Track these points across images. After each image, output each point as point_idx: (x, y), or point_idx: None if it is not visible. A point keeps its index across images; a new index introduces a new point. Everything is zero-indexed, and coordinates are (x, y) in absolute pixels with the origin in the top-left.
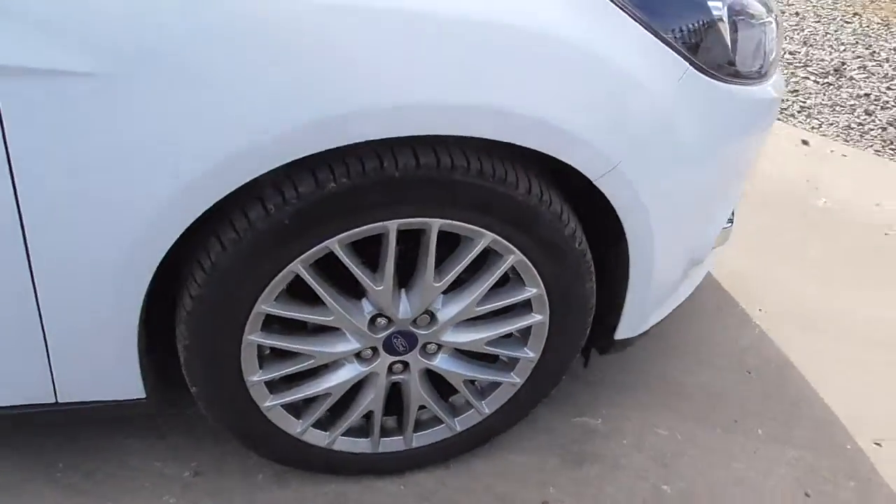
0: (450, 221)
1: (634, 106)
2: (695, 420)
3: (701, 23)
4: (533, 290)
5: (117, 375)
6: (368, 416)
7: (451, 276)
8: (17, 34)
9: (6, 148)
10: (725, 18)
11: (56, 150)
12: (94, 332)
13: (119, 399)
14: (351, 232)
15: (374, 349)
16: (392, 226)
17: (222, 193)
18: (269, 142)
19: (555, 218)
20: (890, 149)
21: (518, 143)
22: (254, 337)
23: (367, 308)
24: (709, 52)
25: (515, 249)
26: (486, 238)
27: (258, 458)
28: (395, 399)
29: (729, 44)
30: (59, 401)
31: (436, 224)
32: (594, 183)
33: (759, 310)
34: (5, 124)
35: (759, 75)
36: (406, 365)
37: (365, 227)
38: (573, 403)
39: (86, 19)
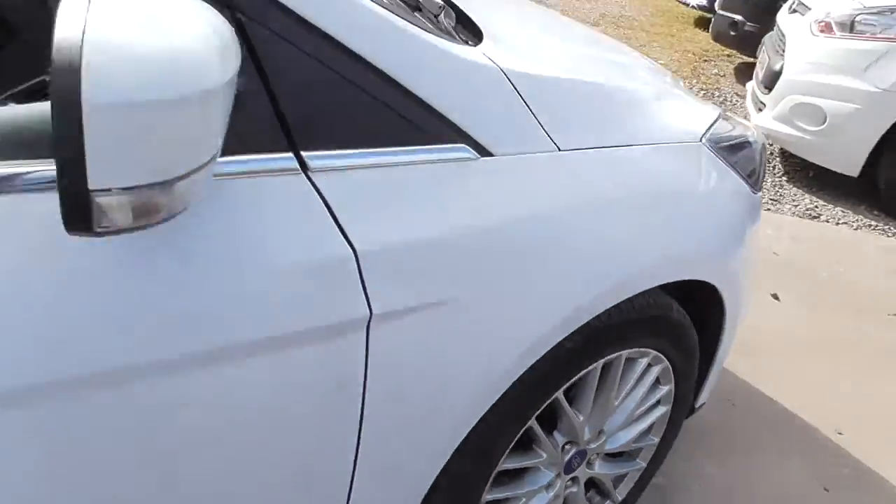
0: (635, 349)
1: (737, 228)
2: (726, 453)
3: (750, 154)
4: (666, 387)
5: None
6: None
7: (623, 395)
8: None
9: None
10: (755, 146)
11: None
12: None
13: None
14: (573, 380)
15: (558, 473)
16: (599, 364)
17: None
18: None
19: (690, 328)
20: None
21: (697, 278)
22: (489, 495)
23: (559, 439)
24: (747, 172)
25: (664, 359)
26: (650, 356)
27: None
28: None
29: (757, 164)
30: None
31: (625, 354)
32: (717, 287)
33: None
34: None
35: (761, 184)
36: (574, 479)
37: (583, 371)
38: None
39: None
